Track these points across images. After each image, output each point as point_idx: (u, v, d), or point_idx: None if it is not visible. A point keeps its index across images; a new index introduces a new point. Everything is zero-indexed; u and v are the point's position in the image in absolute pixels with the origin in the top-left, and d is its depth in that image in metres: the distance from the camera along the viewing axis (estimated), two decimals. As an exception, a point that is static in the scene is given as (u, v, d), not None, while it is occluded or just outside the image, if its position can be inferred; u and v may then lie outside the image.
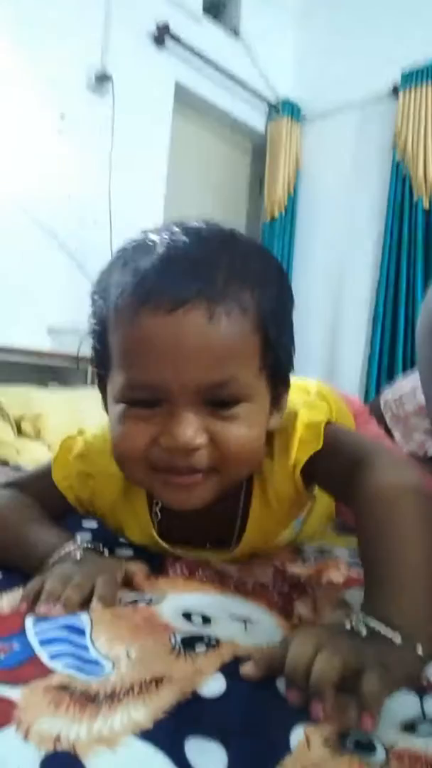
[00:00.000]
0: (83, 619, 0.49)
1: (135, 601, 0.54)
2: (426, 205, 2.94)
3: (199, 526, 0.65)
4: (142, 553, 0.69)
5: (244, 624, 0.51)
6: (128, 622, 0.50)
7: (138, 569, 0.59)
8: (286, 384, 0.62)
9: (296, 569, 0.67)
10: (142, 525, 0.68)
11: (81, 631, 0.48)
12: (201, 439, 0.53)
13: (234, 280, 0.53)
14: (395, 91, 3.04)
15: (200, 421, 0.53)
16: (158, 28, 2.86)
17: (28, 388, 1.91)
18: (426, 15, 2.92)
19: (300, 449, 0.63)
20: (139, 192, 2.80)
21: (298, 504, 0.69)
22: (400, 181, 3.02)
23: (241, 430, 0.55)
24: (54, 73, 2.46)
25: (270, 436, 0.63)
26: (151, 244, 0.55)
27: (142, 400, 0.54)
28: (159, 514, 0.66)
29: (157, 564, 0.65)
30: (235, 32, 3.29)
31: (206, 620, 0.51)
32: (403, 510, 0.52)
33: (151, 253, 0.54)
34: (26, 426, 1.64)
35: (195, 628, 0.50)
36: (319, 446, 0.62)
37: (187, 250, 0.54)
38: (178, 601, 0.55)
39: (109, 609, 0.52)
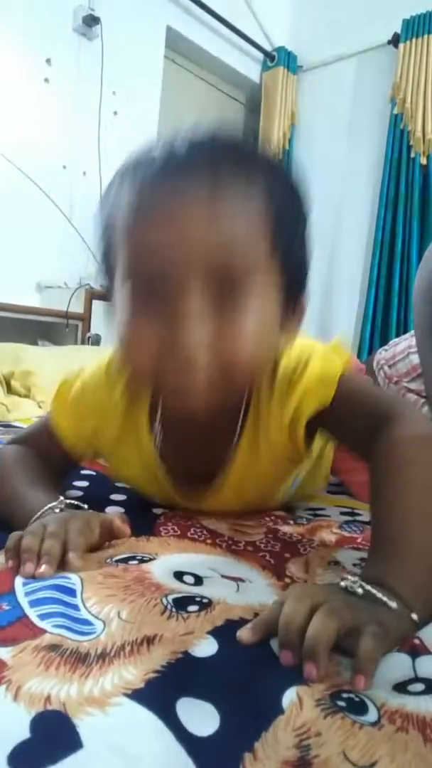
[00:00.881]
0: (73, 578, 0.49)
1: (126, 560, 0.53)
2: (423, 160, 2.88)
3: (194, 451, 0.66)
4: (130, 512, 0.68)
5: (236, 584, 0.51)
6: (119, 582, 0.49)
7: (114, 516, 0.59)
8: (298, 306, 0.61)
9: (288, 529, 0.67)
10: (143, 451, 0.68)
11: (71, 591, 0.47)
12: (205, 337, 0.52)
13: (242, 172, 0.53)
14: (395, 41, 2.94)
15: (205, 314, 0.52)
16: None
17: (18, 346, 1.88)
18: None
19: (304, 401, 0.61)
20: (129, 142, 2.70)
21: (293, 460, 0.68)
22: (398, 135, 2.95)
23: (247, 323, 0.53)
24: (39, 15, 2.35)
25: (275, 375, 0.63)
26: (151, 153, 0.55)
27: (145, 285, 0.53)
28: (159, 432, 0.66)
29: (147, 524, 0.64)
30: (230, -24, 3.15)
31: (198, 580, 0.51)
32: (422, 462, 0.52)
33: (153, 158, 0.54)
34: (16, 384, 1.63)
35: (187, 588, 0.49)
36: (328, 400, 0.61)
37: (191, 147, 0.54)
38: (170, 560, 0.55)
39: (100, 568, 0.51)
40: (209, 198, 0.51)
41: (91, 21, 2.49)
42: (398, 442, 0.54)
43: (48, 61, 2.41)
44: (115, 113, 2.63)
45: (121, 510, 0.69)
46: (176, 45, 3.00)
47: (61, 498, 0.60)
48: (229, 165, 0.53)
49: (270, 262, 0.54)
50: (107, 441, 0.69)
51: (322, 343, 0.68)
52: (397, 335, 2.05)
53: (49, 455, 0.70)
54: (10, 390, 1.61)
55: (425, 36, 2.83)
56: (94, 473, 0.84)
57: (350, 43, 3.08)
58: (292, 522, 0.71)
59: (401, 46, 2.90)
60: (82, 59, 2.51)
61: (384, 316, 2.98)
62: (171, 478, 0.69)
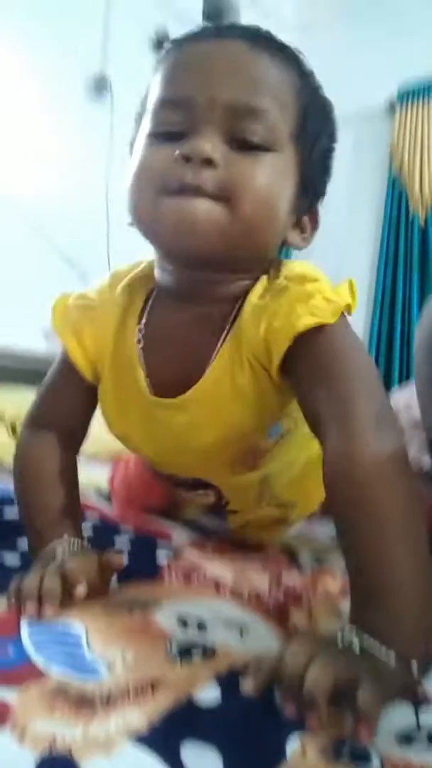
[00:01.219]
0: (78, 622, 0.49)
1: (131, 608, 0.54)
2: (422, 221, 2.95)
3: (176, 351, 0.62)
4: (135, 559, 0.69)
5: (239, 631, 0.51)
6: (124, 627, 0.50)
7: (112, 556, 0.58)
8: (312, 214, 0.62)
9: (292, 577, 0.67)
10: (128, 349, 0.64)
11: (76, 635, 0.47)
12: (218, 155, 0.51)
13: (284, 51, 0.56)
14: (392, 107, 3.06)
15: (221, 146, 0.52)
16: (157, 34, 2.88)
17: (23, 390, 1.90)
18: (423, 33, 2.95)
19: (279, 317, 0.55)
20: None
21: (269, 401, 0.61)
22: (396, 196, 3.03)
23: (263, 170, 0.53)
24: (53, 76, 2.47)
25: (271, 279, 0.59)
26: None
27: (169, 130, 0.53)
28: (144, 329, 0.64)
29: (152, 570, 0.65)
30: (235, 43, 3.32)
31: (202, 627, 0.51)
32: (384, 498, 0.46)
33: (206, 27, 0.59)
34: (21, 428, 1.63)
35: (191, 634, 0.50)
36: (301, 328, 0.53)
37: (242, 27, 0.58)
38: (174, 606, 0.55)
39: (104, 614, 0.51)
40: (249, 49, 0.53)
41: (102, 82, 2.60)
42: (360, 467, 0.47)
43: (60, 119, 2.52)
44: (123, 168, 2.72)
45: (125, 558, 0.69)
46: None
47: (65, 536, 0.60)
48: (271, 41, 0.56)
49: (292, 140, 0.55)
50: (106, 339, 0.66)
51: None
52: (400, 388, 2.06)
53: (57, 408, 0.69)
54: (15, 434, 1.62)
55: (419, 103, 2.94)
56: (97, 520, 0.85)
57: (348, 108, 3.21)
58: (295, 570, 0.71)
59: (397, 112, 3.01)
60: (92, 117, 2.61)
61: (386, 371, 3.00)
62: (148, 377, 0.64)
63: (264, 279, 0.60)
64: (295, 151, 0.55)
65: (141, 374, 0.64)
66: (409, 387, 1.20)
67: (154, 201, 0.53)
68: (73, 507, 0.65)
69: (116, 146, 2.65)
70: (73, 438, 0.70)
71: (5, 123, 2.33)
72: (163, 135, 0.54)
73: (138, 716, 0.37)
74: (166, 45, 0.58)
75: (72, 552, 0.58)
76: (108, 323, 0.66)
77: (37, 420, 0.70)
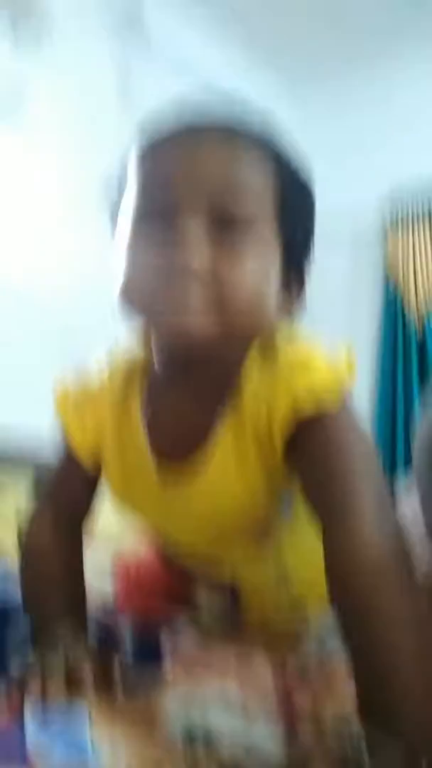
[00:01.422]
0: (82, 710, 0.49)
1: (133, 696, 0.53)
2: (419, 333, 3.05)
3: (179, 424, 0.63)
4: (137, 646, 0.68)
5: (243, 718, 0.50)
6: (126, 714, 0.49)
7: (114, 657, 0.58)
8: (297, 288, 0.62)
9: (297, 663, 0.66)
10: (134, 434, 0.65)
11: (80, 722, 0.47)
12: (203, 264, 0.51)
13: (256, 134, 0.57)
14: (384, 224, 3.26)
15: (206, 246, 0.52)
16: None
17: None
18: (413, 163, 3.16)
19: (280, 393, 0.55)
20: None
21: (280, 472, 0.60)
22: (393, 309, 3.16)
23: (248, 264, 0.53)
24: (67, 178, 2.62)
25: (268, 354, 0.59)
26: (174, 116, 0.58)
27: (147, 215, 0.54)
28: (146, 404, 0.65)
29: (155, 656, 0.64)
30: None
31: (204, 713, 0.50)
32: (387, 588, 0.47)
33: (175, 118, 0.57)
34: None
35: (193, 720, 0.49)
36: (305, 407, 0.54)
37: (213, 118, 0.58)
38: (176, 693, 0.54)
39: (107, 704, 0.51)
40: (223, 140, 0.54)
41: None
42: (362, 561, 0.48)
43: (68, 219, 2.67)
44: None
45: (127, 644, 0.69)
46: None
47: (66, 631, 0.59)
48: (243, 124, 0.57)
49: (273, 222, 0.56)
50: (105, 416, 0.66)
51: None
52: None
53: (71, 490, 0.69)
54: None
55: (409, 227, 3.16)
56: (101, 609, 0.84)
57: (344, 231, 3.40)
58: (300, 656, 0.69)
59: (389, 229, 3.22)
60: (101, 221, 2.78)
61: (389, 480, 2.99)
62: (154, 457, 0.64)
63: (260, 359, 0.60)
64: (277, 231, 0.57)
65: (147, 454, 0.64)
66: (415, 499, 1.19)
67: (146, 311, 0.55)
68: (79, 602, 0.66)
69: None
70: (78, 522, 0.70)
71: (25, 221, 2.49)
72: (144, 225, 0.55)
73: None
74: (140, 140, 0.58)
75: (77, 646, 0.57)
76: (109, 405, 0.66)
77: (41, 506, 0.70)
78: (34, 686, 0.50)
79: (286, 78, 3.57)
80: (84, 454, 0.67)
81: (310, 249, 0.62)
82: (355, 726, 0.44)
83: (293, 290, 0.61)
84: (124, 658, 0.58)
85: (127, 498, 0.70)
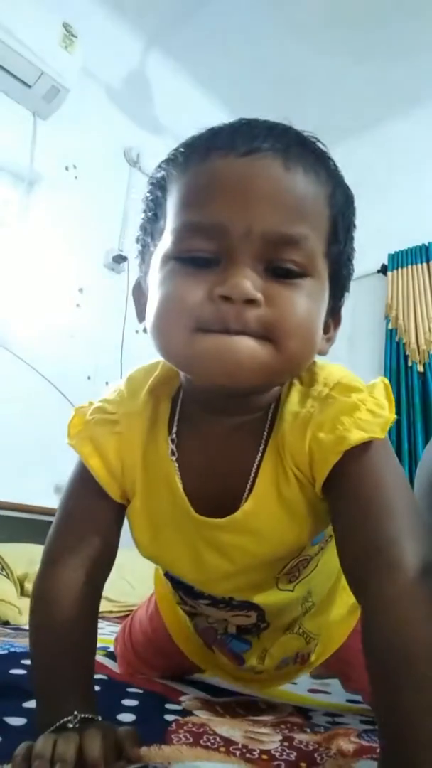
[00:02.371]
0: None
1: (138, 769, 0.52)
2: (420, 368, 3.09)
3: (213, 466, 0.58)
4: (143, 719, 0.67)
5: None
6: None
7: (128, 735, 0.54)
8: (337, 311, 0.58)
9: (304, 737, 0.65)
10: (165, 473, 0.60)
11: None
12: (259, 294, 0.47)
13: (310, 154, 0.51)
14: (384, 270, 3.35)
15: (259, 279, 0.47)
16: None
17: (33, 547, 1.90)
18: (408, 206, 3.31)
19: (327, 428, 0.52)
20: (149, 359, 2.97)
21: (321, 508, 0.57)
22: (394, 347, 3.21)
23: (304, 300, 0.49)
24: (77, 254, 2.75)
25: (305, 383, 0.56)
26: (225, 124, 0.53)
27: (196, 256, 0.49)
28: (176, 446, 0.59)
29: (159, 732, 0.63)
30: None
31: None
32: (425, 673, 0.43)
33: (225, 124, 0.52)
34: (29, 585, 1.61)
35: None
36: (348, 445, 0.51)
37: (263, 122, 0.52)
38: (183, 769, 0.53)
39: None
40: (284, 169, 0.48)
41: (119, 259, 2.89)
42: (389, 641, 0.44)
43: (81, 290, 2.76)
44: (137, 332, 2.92)
45: (133, 717, 0.68)
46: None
47: (75, 713, 0.54)
48: (298, 146, 0.50)
49: (325, 257, 0.52)
50: (134, 453, 0.61)
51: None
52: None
53: (91, 522, 0.61)
54: (23, 592, 1.60)
55: (407, 267, 3.23)
56: (105, 677, 0.83)
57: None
58: (308, 730, 0.68)
59: (389, 274, 3.29)
60: (110, 289, 2.86)
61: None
62: (190, 498, 0.59)
63: (297, 383, 0.58)
64: (327, 266, 0.53)
65: (180, 490, 0.60)
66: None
67: (190, 339, 0.49)
68: (90, 674, 0.60)
69: (131, 314, 2.87)
70: (97, 569, 0.61)
71: (29, 290, 2.55)
72: (191, 261, 0.50)
73: None
74: (185, 144, 0.53)
75: (87, 722, 0.54)
76: (135, 437, 0.61)
77: (56, 554, 0.61)
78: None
79: None
80: (107, 484, 0.61)
81: (349, 280, 0.58)
82: None
83: (330, 328, 0.58)
84: (133, 735, 0.55)
85: (153, 536, 0.64)
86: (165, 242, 0.51)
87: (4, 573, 1.62)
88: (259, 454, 0.57)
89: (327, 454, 0.53)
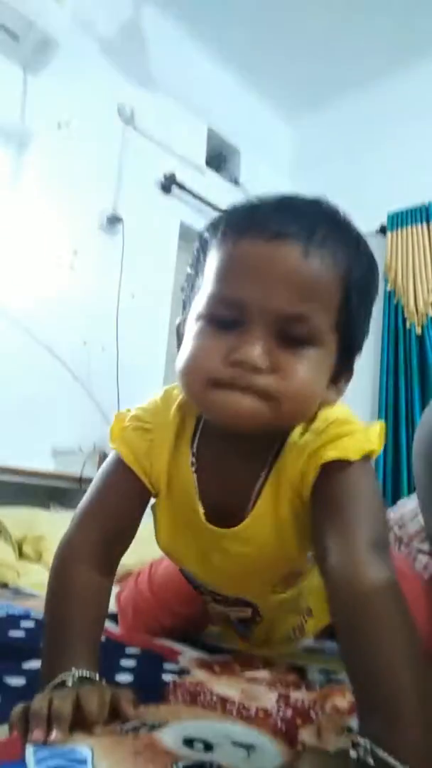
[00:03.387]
0: (84, 744, 0.49)
1: (136, 728, 0.53)
2: (418, 330, 3.08)
3: (225, 480, 0.67)
4: (141, 679, 0.68)
5: (246, 751, 0.50)
6: (130, 749, 0.49)
7: (124, 695, 0.56)
8: (349, 368, 0.64)
9: (300, 695, 0.66)
10: (185, 481, 0.69)
11: (83, 758, 0.47)
12: (266, 363, 0.55)
13: (333, 234, 0.58)
14: (383, 230, 3.29)
15: (270, 349, 0.56)
16: (165, 177, 3.16)
17: (31, 510, 1.91)
18: (408, 164, 3.24)
19: (317, 453, 0.62)
20: (145, 323, 2.95)
21: (304, 532, 0.66)
22: (393, 309, 3.19)
23: (306, 368, 0.57)
24: (70, 215, 2.70)
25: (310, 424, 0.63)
26: (260, 200, 0.61)
27: (221, 319, 0.57)
28: (195, 459, 0.68)
29: (157, 691, 0.64)
30: (235, 182, 3.63)
31: (208, 747, 0.50)
32: (386, 618, 0.50)
33: (261, 202, 0.60)
34: (27, 548, 1.63)
35: (197, 755, 0.49)
36: (329, 458, 0.60)
37: (297, 204, 0.60)
38: (180, 727, 0.54)
39: (110, 736, 0.51)
40: (302, 256, 0.56)
41: (114, 220, 2.83)
42: (359, 587, 0.52)
43: (75, 252, 2.71)
44: (133, 296, 2.89)
45: (131, 677, 0.69)
46: (189, 239, 3.37)
47: (73, 669, 0.56)
48: (322, 229, 0.58)
49: (335, 326, 0.59)
50: (162, 458, 0.69)
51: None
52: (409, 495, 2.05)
53: (122, 502, 0.69)
54: (21, 555, 1.61)
55: (407, 227, 3.19)
56: (103, 638, 0.84)
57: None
58: (304, 687, 0.69)
59: (388, 234, 3.25)
60: (105, 251, 2.82)
61: (394, 478, 3.00)
62: (201, 501, 0.69)
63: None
64: (337, 335, 0.60)
65: (197, 500, 0.69)
66: (412, 500, 1.21)
67: (205, 390, 0.58)
68: (96, 639, 0.63)
69: (126, 277, 2.84)
70: (117, 544, 0.69)
71: (22, 254, 2.52)
72: (217, 322, 0.58)
73: None
74: (229, 213, 0.62)
75: (85, 682, 0.55)
76: (163, 447, 0.69)
77: (82, 525, 0.69)
78: (38, 726, 0.49)
79: (284, 103, 3.70)
80: (140, 473, 0.69)
81: (363, 340, 0.65)
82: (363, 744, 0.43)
83: (340, 383, 0.65)
84: (130, 695, 0.56)
85: (172, 535, 0.74)
86: (199, 302, 0.60)
87: (2, 536, 1.64)
88: (262, 479, 0.67)
89: (310, 471, 0.62)
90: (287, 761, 0.49)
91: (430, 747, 0.44)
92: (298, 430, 0.65)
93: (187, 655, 0.80)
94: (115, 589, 1.00)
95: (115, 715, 0.54)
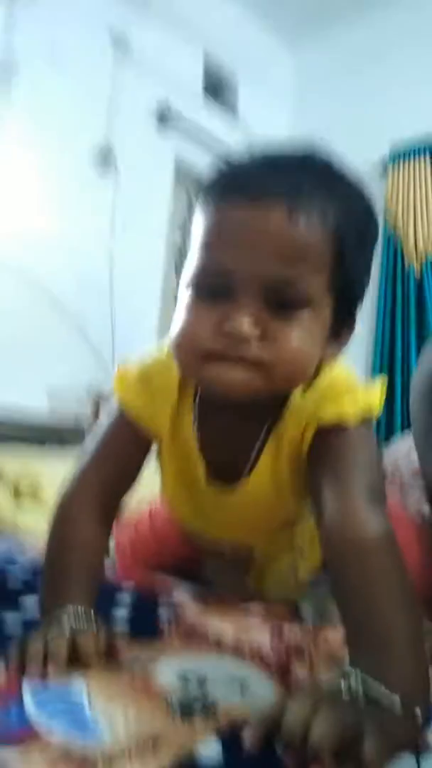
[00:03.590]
0: (79, 681, 0.49)
1: (131, 665, 0.54)
2: (417, 271, 3.03)
3: (226, 442, 0.68)
4: (135, 615, 0.69)
5: (240, 687, 0.51)
6: (125, 684, 0.50)
7: (119, 633, 0.57)
8: (350, 321, 0.62)
9: (293, 631, 0.67)
10: (187, 438, 0.70)
11: (78, 693, 0.47)
12: (256, 331, 0.54)
13: (321, 190, 0.55)
14: (384, 166, 3.19)
15: (259, 316, 0.54)
16: (160, 108, 3.03)
17: (26, 451, 1.92)
18: (413, 95, 3.11)
19: (318, 410, 0.62)
20: (140, 261, 2.89)
21: (300, 490, 0.68)
22: (392, 249, 3.12)
23: (297, 333, 0.55)
24: (61, 147, 2.59)
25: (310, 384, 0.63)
26: (248, 156, 0.58)
27: (209, 288, 0.56)
28: (197, 419, 0.69)
29: (152, 627, 0.65)
30: (233, 111, 3.48)
31: (202, 683, 0.51)
32: (378, 563, 0.52)
33: (247, 160, 0.58)
34: (24, 489, 1.64)
35: (191, 690, 0.49)
36: (333, 418, 0.61)
37: (281, 160, 0.57)
38: (175, 663, 0.55)
39: (105, 672, 0.51)
40: (287, 218, 0.53)
41: (107, 152, 2.73)
42: (353, 536, 0.54)
43: (66, 186, 2.63)
44: (127, 230, 2.82)
45: (126, 613, 0.69)
46: (184, 173, 3.26)
47: (70, 607, 0.57)
48: (309, 187, 0.55)
49: (330, 285, 0.57)
50: (164, 412, 0.69)
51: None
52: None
53: (123, 452, 0.70)
54: (17, 494, 1.63)
55: (409, 161, 3.09)
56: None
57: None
58: (297, 623, 0.71)
59: (389, 169, 3.15)
60: (97, 184, 2.73)
61: (387, 420, 3.02)
62: (203, 463, 0.70)
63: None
64: (331, 293, 0.57)
65: (198, 458, 0.70)
66: (410, 437, 1.21)
67: (197, 364, 0.57)
68: (94, 582, 0.64)
69: (119, 214, 2.75)
70: (121, 489, 0.71)
71: (12, 191, 2.43)
72: (206, 290, 0.57)
73: (138, 772, 0.37)
74: (207, 187, 0.59)
75: (81, 620, 0.56)
76: (166, 403, 0.69)
77: (83, 479, 0.69)
78: (35, 665, 0.50)
79: (285, 29, 3.51)
80: (143, 424, 0.69)
81: (363, 298, 0.63)
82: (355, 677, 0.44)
83: (342, 335, 0.63)
84: (125, 631, 0.58)
85: (174, 489, 0.76)
86: (188, 270, 0.58)
87: (-2, 475, 1.65)
88: (262, 439, 0.67)
89: (309, 430, 0.63)
90: (280, 695, 0.50)
91: (419, 680, 0.45)
92: (298, 390, 0.64)
93: (182, 591, 0.81)
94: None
95: (110, 653, 0.55)
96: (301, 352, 0.56)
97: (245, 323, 0.54)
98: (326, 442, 0.62)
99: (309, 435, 0.63)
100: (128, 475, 0.71)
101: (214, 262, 0.56)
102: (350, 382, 0.65)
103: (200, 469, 0.70)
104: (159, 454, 0.75)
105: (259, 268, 0.54)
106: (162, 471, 0.76)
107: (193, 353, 0.57)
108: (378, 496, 0.58)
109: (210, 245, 0.56)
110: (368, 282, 0.63)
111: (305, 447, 0.64)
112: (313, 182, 0.55)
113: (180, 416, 0.70)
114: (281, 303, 0.55)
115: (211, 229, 0.56)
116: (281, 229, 0.53)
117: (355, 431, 0.62)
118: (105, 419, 0.72)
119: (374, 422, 0.65)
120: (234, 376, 0.55)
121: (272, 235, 0.53)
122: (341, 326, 0.61)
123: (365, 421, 0.63)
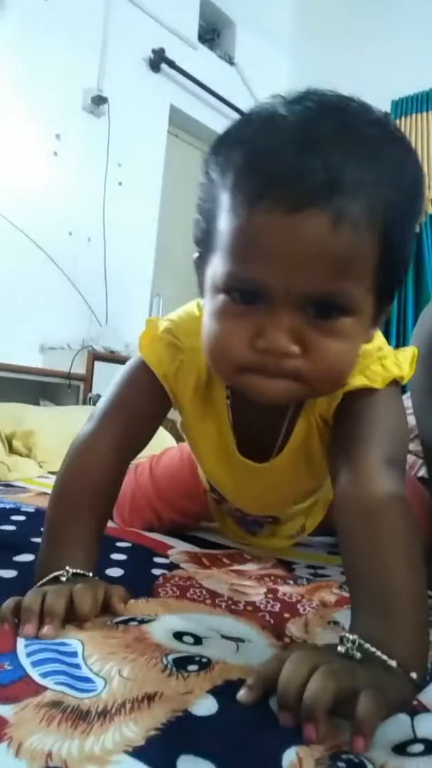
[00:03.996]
0: (75, 638, 0.49)
1: (126, 622, 0.54)
2: (416, 228, 2.99)
3: (258, 419, 0.68)
4: (131, 573, 0.69)
5: (235, 644, 0.51)
6: (120, 642, 0.50)
7: (115, 591, 0.57)
8: (390, 298, 0.58)
9: (288, 589, 0.67)
10: (219, 412, 0.70)
11: (73, 650, 0.47)
12: (295, 348, 0.51)
13: (368, 176, 0.47)
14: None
15: (298, 328, 0.50)
16: (154, 53, 2.92)
17: (20, 406, 1.91)
18: (415, 46, 3.01)
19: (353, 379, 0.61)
20: (133, 212, 2.83)
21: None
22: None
23: (340, 345, 0.52)
24: (51, 95, 2.50)
25: None
26: (279, 119, 0.49)
27: (242, 295, 0.51)
28: (230, 400, 0.69)
29: (147, 585, 0.65)
30: (229, 59, 3.36)
31: (197, 640, 0.51)
32: (389, 526, 0.52)
33: (278, 132, 0.48)
34: (17, 443, 1.63)
35: (186, 648, 0.50)
36: (360, 384, 0.61)
37: (320, 137, 0.47)
38: (170, 621, 0.55)
39: (100, 629, 0.51)
40: (331, 227, 0.46)
41: (99, 100, 2.64)
42: (366, 500, 0.54)
43: (57, 136, 2.55)
44: (120, 183, 2.75)
45: (121, 571, 0.69)
46: (179, 121, 3.16)
47: (67, 567, 0.57)
48: (355, 174, 0.46)
49: (373, 285, 0.52)
50: (188, 386, 0.68)
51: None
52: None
53: (144, 406, 0.69)
54: (11, 450, 1.62)
55: (411, 115, 3.01)
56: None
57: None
58: (292, 582, 0.71)
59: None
60: (89, 135, 2.64)
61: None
62: (236, 440, 0.71)
63: None
64: (373, 292, 0.53)
65: (230, 433, 0.71)
66: (406, 397, 1.20)
67: (234, 375, 0.55)
68: (96, 537, 0.63)
69: (112, 164, 2.68)
70: (130, 448, 0.69)
71: (4, 136, 2.36)
72: (237, 296, 0.52)
73: (134, 729, 0.37)
74: (232, 170, 0.50)
75: (78, 578, 0.56)
76: (191, 372, 0.67)
77: (102, 425, 0.68)
78: (30, 624, 0.50)
79: None
80: (166, 387, 0.69)
81: (402, 279, 0.59)
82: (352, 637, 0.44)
83: (381, 315, 0.59)
84: (122, 591, 0.57)
85: (206, 457, 0.77)
86: (215, 271, 0.53)
87: (-9, 431, 1.64)
88: (292, 416, 0.68)
89: (336, 398, 0.63)
90: (275, 654, 0.50)
91: (418, 645, 0.45)
92: None
93: (178, 549, 0.82)
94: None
95: (106, 610, 0.55)
96: (342, 363, 0.54)
97: (282, 339, 0.50)
98: (350, 406, 0.62)
99: (335, 404, 0.63)
100: (145, 431, 0.70)
101: (248, 274, 0.50)
102: (380, 348, 0.64)
103: (232, 443, 0.71)
104: (184, 425, 0.75)
105: (299, 283, 0.48)
106: (199, 444, 0.76)
107: (228, 365, 0.55)
108: (397, 461, 0.58)
109: (242, 255, 0.50)
110: (410, 261, 0.59)
111: (331, 416, 0.64)
112: (358, 164, 0.47)
113: (210, 391, 0.69)
114: (322, 315, 0.51)
115: (243, 237, 0.49)
116: (324, 238, 0.46)
117: (380, 395, 0.61)
118: (126, 372, 0.71)
119: (401, 388, 0.65)
120: (274, 387, 0.53)
121: (314, 246, 0.47)
122: (381, 309, 0.57)
123: (392, 385, 0.62)
